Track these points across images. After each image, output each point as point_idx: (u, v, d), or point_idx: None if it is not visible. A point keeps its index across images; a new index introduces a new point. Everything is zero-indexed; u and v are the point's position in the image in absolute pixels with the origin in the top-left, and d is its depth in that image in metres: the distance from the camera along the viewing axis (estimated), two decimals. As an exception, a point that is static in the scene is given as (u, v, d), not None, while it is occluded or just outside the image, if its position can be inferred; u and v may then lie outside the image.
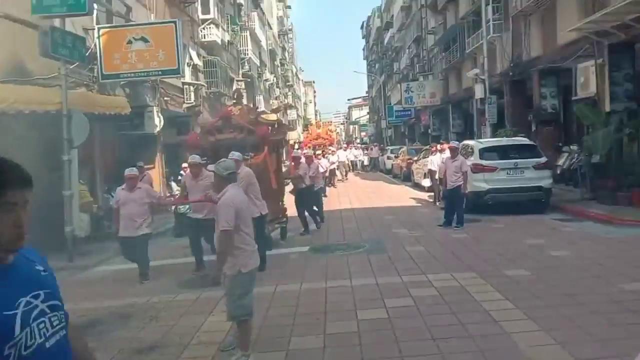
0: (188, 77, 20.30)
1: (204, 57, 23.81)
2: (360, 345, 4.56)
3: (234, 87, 31.69)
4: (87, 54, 11.34)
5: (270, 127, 9.66)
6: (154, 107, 16.33)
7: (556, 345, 4.25)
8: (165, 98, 18.26)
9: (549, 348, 4.23)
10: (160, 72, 14.13)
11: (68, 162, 9.43)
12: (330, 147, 25.80)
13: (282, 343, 4.22)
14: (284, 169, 12.17)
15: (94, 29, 12.91)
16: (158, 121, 15.59)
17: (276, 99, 49.42)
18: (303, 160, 11.17)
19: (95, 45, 12.82)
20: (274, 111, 19.11)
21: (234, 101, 9.93)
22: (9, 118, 9.82)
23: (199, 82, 21.83)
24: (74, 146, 9.67)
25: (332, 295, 6.09)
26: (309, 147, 25.29)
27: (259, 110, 9.84)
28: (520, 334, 4.52)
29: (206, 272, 7.35)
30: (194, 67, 22.26)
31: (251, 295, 4.24)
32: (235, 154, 7.30)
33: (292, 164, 10.92)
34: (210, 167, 6.21)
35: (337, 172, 23.97)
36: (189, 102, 19.82)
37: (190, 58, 21.26)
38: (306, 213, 10.85)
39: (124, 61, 13.02)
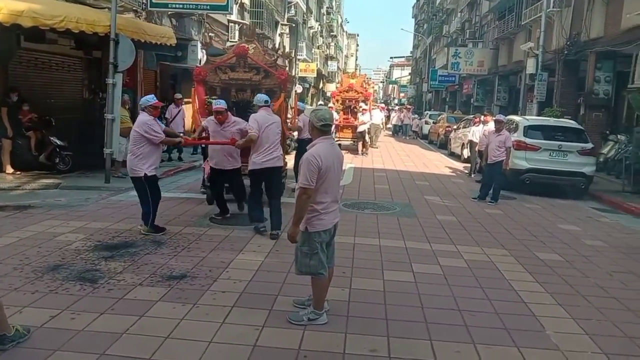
0: (234, 15, 20.03)
1: (252, -4, 23.40)
2: (384, 304, 4.58)
3: (279, 31, 31.26)
4: (139, -22, 11.22)
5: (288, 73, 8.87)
6: (198, 42, 16.23)
7: (585, 336, 4.19)
8: (210, 34, 18.10)
9: (577, 337, 4.17)
10: (208, 7, 14.00)
11: (112, 85, 9.48)
12: (361, 104, 19.20)
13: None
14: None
15: (149, -46, 12.73)
16: (201, 56, 15.49)
17: (319, 47, 48.67)
18: (305, 112, 10.42)
19: (148, -30, 12.69)
20: (284, 56, 16.72)
21: (247, 38, 9.04)
22: (58, 35, 9.89)
23: (244, 22, 21.55)
24: (119, 70, 9.70)
25: (359, 252, 6.10)
26: (337, 100, 19.88)
27: (275, 52, 9.04)
28: (548, 319, 4.46)
29: (228, 215, 7.42)
30: (241, 5, 21.96)
31: (319, 256, 4.02)
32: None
33: (295, 115, 10.24)
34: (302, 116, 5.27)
35: (367, 135, 18.68)
36: (232, 40, 19.64)
37: (239, -5, 20.92)
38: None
39: (174, -9, 12.88)
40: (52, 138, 10.13)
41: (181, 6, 13.29)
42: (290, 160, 10.73)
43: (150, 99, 6.57)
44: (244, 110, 8.17)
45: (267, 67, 8.31)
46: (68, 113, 11.57)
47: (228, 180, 7.47)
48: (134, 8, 12.63)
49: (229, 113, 7.15)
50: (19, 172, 9.81)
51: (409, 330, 4.09)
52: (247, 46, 8.56)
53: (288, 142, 11.87)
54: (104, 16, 9.83)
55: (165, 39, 12.02)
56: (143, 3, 12.94)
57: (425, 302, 4.69)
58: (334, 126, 18.37)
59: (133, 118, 11.35)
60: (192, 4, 13.21)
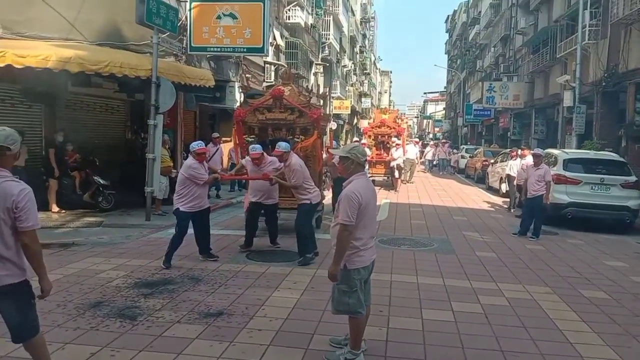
0: (270, 56, 20.57)
1: (286, 38, 24.07)
2: (423, 344, 4.46)
3: (313, 70, 31.89)
4: (178, 25, 11.73)
5: (322, 112, 9.39)
6: (236, 83, 16.70)
7: (637, 378, 3.97)
8: (247, 75, 18.61)
9: (629, 379, 3.96)
10: (245, 50, 14.39)
11: (154, 126, 9.81)
12: (394, 139, 19.01)
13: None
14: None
15: (187, 1, 13.33)
16: (238, 96, 15.91)
17: (352, 85, 49.30)
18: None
19: (186, 17, 13.26)
20: (320, 97, 17.26)
21: (283, 81, 9.68)
22: (102, 79, 10.37)
23: (279, 63, 22.09)
24: (160, 112, 10.04)
25: (397, 290, 6.00)
26: (369, 136, 19.83)
27: (309, 93, 9.52)
28: (596, 360, 4.26)
29: (252, 249, 7.74)
30: (276, 47, 22.55)
31: (357, 294, 3.96)
32: (282, 145, 7.25)
33: (329, 152, 10.31)
34: (335, 151, 5.54)
35: (397, 172, 18.20)
36: (268, 81, 20.11)
37: (274, 38, 21.53)
38: None
39: (212, 35, 13.40)
40: (95, 177, 10.50)
41: (219, 49, 13.74)
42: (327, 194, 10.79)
43: (196, 145, 6.98)
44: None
45: (301, 107, 8.79)
46: (111, 153, 12.01)
47: (265, 214, 7.92)
48: (175, 52, 13.14)
49: (264, 154, 7.57)
50: (63, 211, 10.17)
51: (450, 371, 3.96)
52: (282, 88, 9.08)
53: (324, 178, 11.93)
54: (146, 60, 10.27)
55: (204, 81, 12.44)
56: (183, 47, 13.47)
57: (465, 342, 4.55)
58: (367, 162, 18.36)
59: (173, 157, 11.72)
60: (230, 47, 13.64)
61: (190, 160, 6.93)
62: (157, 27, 10.04)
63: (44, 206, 9.91)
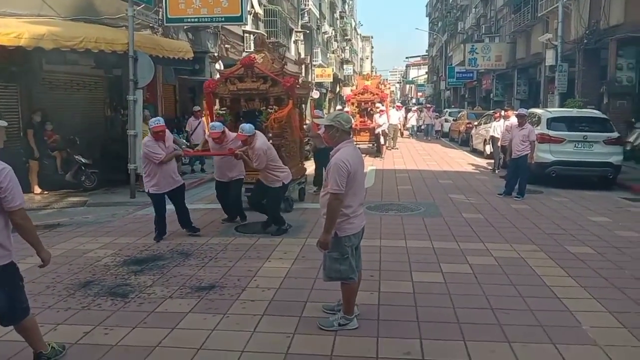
0: (249, 25, 20.17)
1: (264, 5, 23.57)
2: (415, 306, 4.52)
3: (293, 38, 31.40)
4: (153, -4, 11.40)
5: (296, 79, 8.87)
6: (215, 54, 16.38)
7: (623, 329, 4.07)
8: (226, 45, 18.26)
9: (616, 331, 4.05)
10: (223, 19, 14.06)
11: (133, 102, 9.62)
12: (378, 105, 19.11)
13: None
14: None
15: (162, -29, 12.92)
16: (218, 67, 15.64)
17: (333, 52, 48.71)
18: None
19: (162, -13, 12.88)
20: (298, 63, 16.65)
21: (256, 48, 9.14)
22: (78, 56, 10.09)
23: (259, 31, 21.66)
24: (139, 87, 9.84)
25: (386, 255, 6.05)
26: (352, 104, 19.87)
27: (282, 60, 9.12)
28: (584, 314, 4.35)
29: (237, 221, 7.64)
30: (255, 16, 22.10)
31: (349, 261, 3.99)
32: (245, 128, 6.78)
33: (314, 122, 10.15)
34: (319, 120, 5.52)
35: (382, 138, 18.35)
36: (248, 50, 19.75)
37: (252, 6, 21.08)
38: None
39: (189, 6, 13.06)
40: (77, 157, 10.32)
41: (196, 20, 13.42)
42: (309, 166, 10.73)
43: (153, 122, 6.71)
44: (253, 119, 8.36)
45: (273, 75, 8.34)
46: (91, 131, 11.78)
47: (228, 188, 7.63)
48: (151, 25, 12.81)
49: (225, 132, 7.28)
50: (46, 192, 10.01)
51: (442, 332, 4.03)
52: (253, 56, 8.66)
53: (306, 148, 11.84)
54: (121, 34, 10.00)
55: (183, 53, 12.18)
56: (159, 19, 13.13)
57: (456, 302, 4.62)
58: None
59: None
60: (207, 17, 13.32)
61: (146, 138, 6.76)
62: (132, -1, 9.74)
63: (26, 188, 9.72)
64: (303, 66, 33.97)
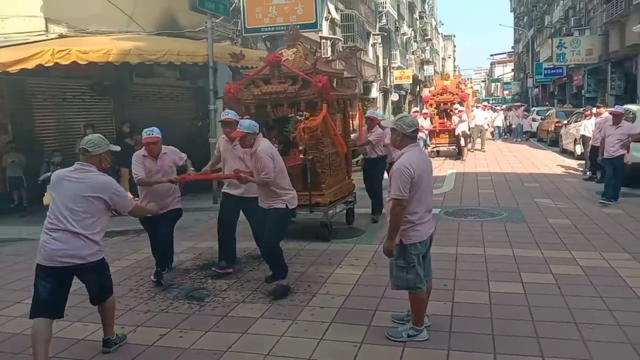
0: (325, 31, 20.36)
1: (341, 10, 23.68)
2: (490, 318, 4.31)
3: (371, 41, 31.30)
4: (231, 8, 11.82)
5: (331, 78, 7.21)
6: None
7: None
8: (304, 52, 18.46)
9: None
10: (298, 26, 14.27)
11: (213, 111, 10.00)
12: (456, 106, 17.67)
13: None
14: (352, 136, 9.63)
15: (237, -16, 13.38)
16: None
17: (413, 53, 48.04)
18: (382, 123, 8.09)
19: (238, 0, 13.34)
20: (342, 57, 11.78)
21: (289, 42, 7.54)
22: (164, 68, 10.67)
23: (335, 37, 21.81)
24: (219, 97, 10.21)
25: (462, 263, 5.83)
26: (431, 105, 18.64)
27: (320, 55, 7.31)
28: (683, 332, 3.94)
29: (229, 270, 5.76)
30: (332, 21, 22.26)
31: (416, 270, 3.85)
32: (245, 124, 5.04)
33: (364, 126, 8.44)
34: (385, 122, 4.09)
35: (462, 139, 17.20)
36: (325, 56, 19.92)
37: (328, 12, 21.24)
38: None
39: (265, 15, 13.40)
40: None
41: (273, 29, 13.74)
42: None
43: (145, 132, 5.72)
44: (282, 128, 7.19)
45: (303, 74, 6.75)
46: (180, 140, 12.37)
47: (244, 212, 5.95)
48: (230, 36, 13.29)
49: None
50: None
51: (518, 347, 3.80)
52: (281, 52, 7.22)
53: (353, 160, 9.98)
54: (202, 46, 10.45)
55: (261, 62, 12.49)
56: (238, 30, 13.58)
57: (536, 315, 4.35)
58: (428, 132, 17.85)
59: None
60: (283, 26, 13.58)
61: (137, 151, 5.74)
62: (210, 11, 10.16)
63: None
64: (381, 68, 33.71)
